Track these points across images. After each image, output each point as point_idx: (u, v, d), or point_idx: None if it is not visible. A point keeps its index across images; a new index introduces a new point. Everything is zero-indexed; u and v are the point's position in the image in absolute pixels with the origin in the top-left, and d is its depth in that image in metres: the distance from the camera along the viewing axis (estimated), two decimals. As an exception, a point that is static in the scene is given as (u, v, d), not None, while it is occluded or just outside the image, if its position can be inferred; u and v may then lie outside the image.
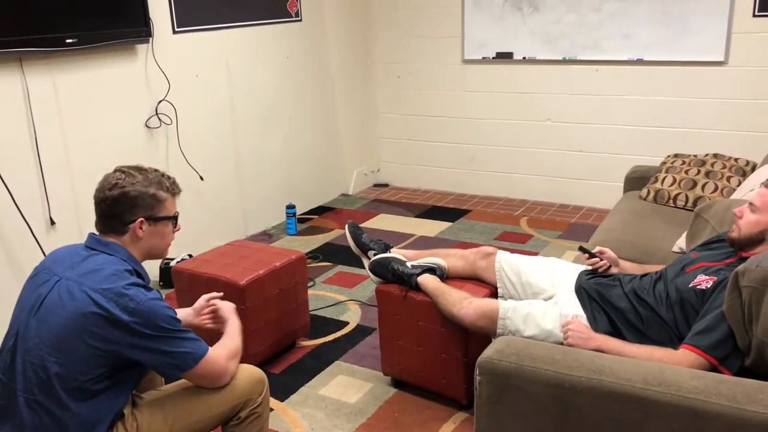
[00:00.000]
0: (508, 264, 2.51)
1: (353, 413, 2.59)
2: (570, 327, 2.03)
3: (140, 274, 1.75)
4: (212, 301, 2.10)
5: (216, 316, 2.07)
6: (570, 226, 4.58)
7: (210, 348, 1.76)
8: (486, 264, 2.55)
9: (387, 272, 2.60)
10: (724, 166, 3.38)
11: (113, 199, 1.74)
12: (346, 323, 3.31)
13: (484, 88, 5.10)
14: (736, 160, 3.44)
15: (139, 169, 1.80)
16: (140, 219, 1.75)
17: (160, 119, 3.81)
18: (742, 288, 1.79)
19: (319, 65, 5.03)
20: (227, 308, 2.04)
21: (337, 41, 5.15)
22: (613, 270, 2.38)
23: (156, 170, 1.82)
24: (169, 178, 1.83)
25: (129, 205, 1.74)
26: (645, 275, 2.24)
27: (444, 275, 2.57)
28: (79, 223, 3.43)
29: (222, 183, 4.31)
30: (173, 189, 1.82)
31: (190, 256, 3.64)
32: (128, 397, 1.73)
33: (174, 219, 1.83)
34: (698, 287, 2.00)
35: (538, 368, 1.76)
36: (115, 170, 1.79)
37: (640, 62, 4.51)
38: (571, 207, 4.97)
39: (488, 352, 1.84)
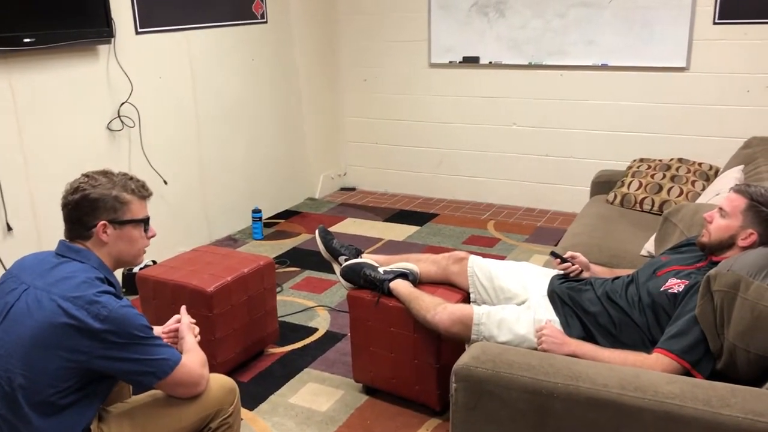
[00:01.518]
0: (480, 269, 2.50)
1: (324, 421, 2.55)
2: (544, 332, 2.03)
3: (111, 282, 1.69)
4: (183, 313, 2.01)
5: (175, 334, 1.99)
6: (536, 229, 4.61)
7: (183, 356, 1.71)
8: (458, 269, 2.53)
9: (359, 278, 2.57)
10: (689, 171, 3.44)
11: (75, 202, 1.68)
12: (316, 329, 3.27)
13: (450, 92, 5.11)
14: (700, 164, 3.51)
15: (105, 173, 1.74)
16: (102, 222, 1.69)
17: (122, 122, 3.71)
18: (714, 292, 1.81)
19: (285, 68, 4.98)
20: (186, 327, 1.94)
21: (304, 44, 5.10)
22: (585, 274, 2.39)
23: (125, 174, 1.76)
24: (137, 181, 1.77)
25: (90, 208, 1.68)
26: (616, 279, 2.25)
27: (416, 280, 2.55)
28: (37, 228, 3.32)
29: (186, 187, 4.22)
30: (140, 192, 1.76)
31: (154, 262, 3.56)
32: (96, 412, 1.66)
33: (142, 222, 1.77)
34: (670, 291, 2.02)
35: (514, 374, 1.75)
36: (81, 175, 1.73)
37: (604, 68, 4.57)
38: (537, 211, 5.01)
39: (464, 359, 1.82)
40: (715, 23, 4.20)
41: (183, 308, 2.02)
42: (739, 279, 1.76)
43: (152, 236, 1.83)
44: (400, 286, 2.46)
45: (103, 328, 1.55)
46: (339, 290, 3.66)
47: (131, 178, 1.76)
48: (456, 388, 1.82)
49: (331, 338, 3.17)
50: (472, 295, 2.49)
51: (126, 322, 1.58)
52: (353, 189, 5.69)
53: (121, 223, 1.72)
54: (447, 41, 5.00)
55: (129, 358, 1.59)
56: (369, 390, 2.72)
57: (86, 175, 1.72)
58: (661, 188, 3.39)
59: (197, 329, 1.96)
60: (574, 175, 4.81)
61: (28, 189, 3.29)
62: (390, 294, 2.49)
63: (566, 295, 2.22)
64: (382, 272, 2.54)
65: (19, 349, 1.56)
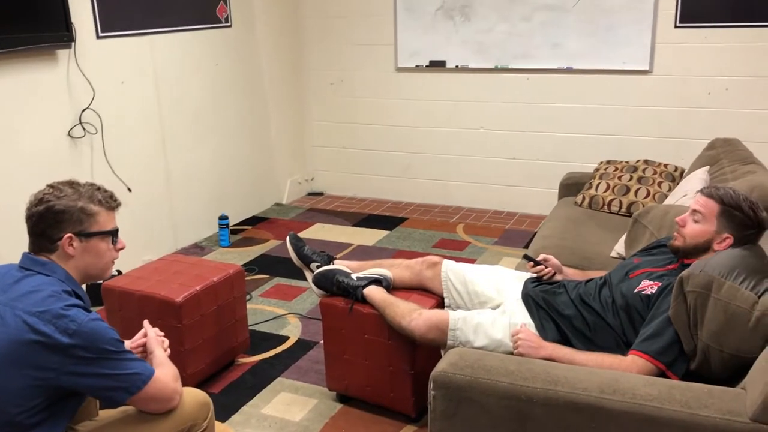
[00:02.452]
0: (454, 273, 2.49)
1: (299, 431, 2.51)
2: (520, 336, 2.03)
3: (79, 296, 1.63)
4: (146, 328, 1.93)
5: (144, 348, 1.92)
6: (505, 232, 4.63)
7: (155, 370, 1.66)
8: (432, 274, 2.52)
9: (331, 285, 2.53)
10: (655, 172, 3.49)
11: (39, 214, 1.62)
12: (287, 338, 3.22)
13: (417, 96, 5.11)
14: (665, 165, 3.56)
15: (71, 184, 1.67)
16: (68, 235, 1.62)
17: (84, 128, 3.61)
18: (687, 293, 1.83)
19: (250, 72, 4.92)
20: (154, 340, 1.87)
21: (268, 48, 5.05)
22: (558, 277, 2.39)
23: (92, 184, 1.70)
24: (105, 191, 1.71)
25: (55, 220, 1.62)
26: (589, 281, 2.26)
27: (390, 286, 2.52)
28: (-4, 239, 3.21)
29: (150, 194, 4.13)
30: (108, 203, 1.70)
31: (119, 272, 3.46)
32: (63, 430, 1.59)
33: (110, 234, 1.71)
34: (643, 292, 2.04)
35: (493, 380, 1.74)
36: (46, 186, 1.66)
37: (569, 71, 4.61)
38: (505, 213, 5.04)
39: (442, 366, 1.81)
40: (676, 27, 4.28)
41: (145, 322, 1.94)
42: (712, 280, 1.78)
43: (121, 248, 1.77)
44: (373, 292, 2.44)
45: (71, 342, 1.49)
46: (309, 297, 3.62)
47: (98, 189, 1.70)
48: (434, 395, 1.80)
49: (302, 346, 3.13)
50: (446, 300, 2.48)
51: (96, 336, 1.53)
52: (321, 194, 5.65)
53: (88, 236, 1.66)
54: (413, 45, 5.00)
55: (99, 373, 1.54)
56: (343, 398, 2.68)
57: (51, 186, 1.66)
58: (628, 190, 3.44)
59: (167, 342, 1.90)
60: (541, 177, 4.85)
61: (-14, 199, 3.18)
62: (364, 301, 2.46)
63: (540, 298, 2.22)
64: (355, 279, 2.52)
65: None
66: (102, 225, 1.68)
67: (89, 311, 1.57)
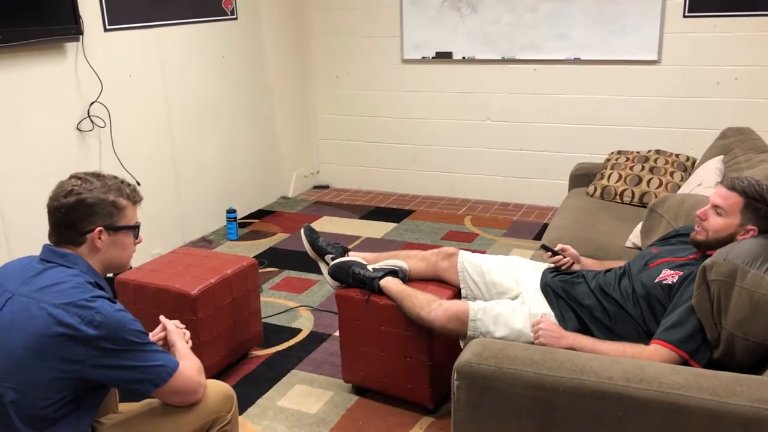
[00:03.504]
0: (470, 264, 2.48)
1: (315, 423, 2.51)
2: (541, 326, 2.02)
3: (102, 287, 1.61)
4: (163, 323, 1.91)
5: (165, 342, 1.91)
6: (513, 223, 4.62)
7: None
8: (448, 264, 2.51)
9: (347, 276, 2.52)
10: (667, 162, 3.48)
11: (69, 206, 1.59)
12: (299, 330, 3.21)
13: (424, 87, 5.09)
14: (677, 155, 3.55)
15: (97, 175, 1.66)
16: (99, 228, 1.61)
17: (92, 122, 3.60)
18: (711, 282, 1.82)
19: (256, 65, 4.90)
20: (175, 333, 1.86)
21: (274, 40, 5.03)
22: (576, 267, 2.39)
23: (115, 177, 1.69)
24: (129, 185, 1.70)
25: (86, 213, 1.60)
26: (608, 271, 2.25)
27: (406, 278, 2.52)
28: (5, 232, 3.18)
29: (159, 188, 4.12)
30: (134, 197, 1.70)
31: (130, 266, 3.45)
32: (89, 423, 1.59)
33: (135, 229, 1.70)
34: (664, 282, 2.03)
35: (517, 370, 1.73)
36: (71, 176, 1.65)
37: (577, 61, 4.60)
38: (512, 205, 5.03)
39: (465, 356, 1.80)
40: (685, 16, 4.26)
41: (162, 317, 1.92)
42: (736, 268, 1.77)
43: (140, 242, 1.76)
44: (390, 283, 2.43)
45: (97, 334, 1.48)
46: (320, 290, 3.61)
47: (122, 182, 1.69)
48: (458, 385, 1.80)
49: (316, 339, 3.12)
50: (463, 291, 2.47)
51: (121, 327, 1.52)
52: (327, 187, 5.63)
53: (116, 229, 1.65)
54: (419, 37, 4.98)
55: (125, 365, 1.53)
56: (359, 390, 2.68)
57: (78, 177, 1.64)
58: (640, 180, 3.42)
59: (188, 334, 1.89)
60: (548, 169, 4.84)
61: (-4, 193, 3.16)
62: (380, 292, 2.45)
63: (560, 288, 2.22)
64: (371, 270, 2.51)
65: (8, 362, 1.48)
66: (129, 219, 1.68)
67: (114, 302, 1.56)
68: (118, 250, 1.67)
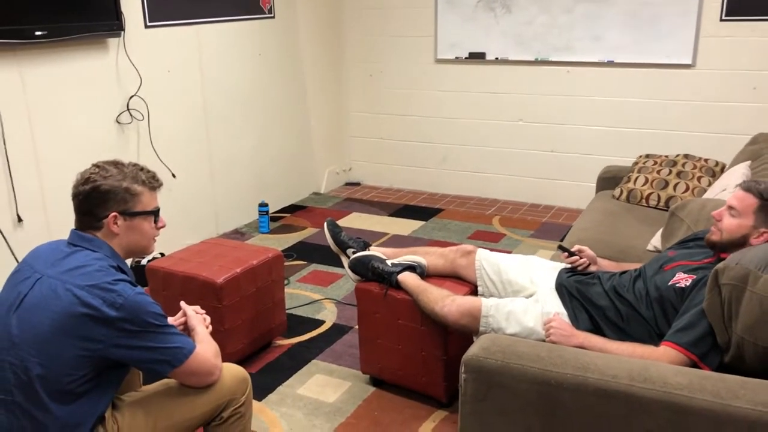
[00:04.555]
0: (488, 262, 2.51)
1: (332, 412, 2.57)
2: (552, 324, 2.05)
3: (124, 270, 1.70)
4: (183, 308, 1.99)
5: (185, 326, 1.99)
6: (541, 225, 4.62)
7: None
8: (466, 262, 2.55)
9: (367, 270, 2.58)
10: (695, 167, 3.45)
11: (85, 194, 1.69)
12: (323, 322, 3.29)
13: (456, 87, 5.12)
14: (705, 160, 3.52)
15: (115, 164, 1.74)
16: (113, 214, 1.70)
17: (131, 115, 3.73)
18: (722, 285, 1.82)
19: (292, 63, 4.99)
20: (195, 318, 1.94)
21: (310, 39, 5.11)
22: (592, 268, 2.40)
23: (135, 164, 1.77)
24: (147, 171, 1.77)
25: (101, 199, 1.69)
26: (624, 273, 2.27)
27: (424, 273, 2.56)
28: (47, 220, 3.34)
29: (194, 180, 4.24)
30: (151, 183, 1.77)
31: (162, 254, 3.57)
32: (110, 400, 1.68)
33: (153, 213, 1.78)
34: (677, 285, 2.03)
35: (524, 365, 1.77)
36: (92, 165, 1.74)
37: (610, 64, 4.57)
38: (542, 206, 5.02)
39: (474, 350, 1.84)
40: (722, 20, 4.20)
41: (182, 303, 2.00)
42: (748, 272, 1.77)
43: (162, 227, 1.83)
44: (408, 278, 2.48)
45: (118, 315, 1.57)
46: (345, 283, 3.68)
47: (142, 169, 1.77)
48: (465, 378, 1.84)
49: (338, 331, 3.19)
50: (479, 288, 2.51)
51: (141, 309, 1.60)
52: (358, 184, 5.71)
53: (132, 215, 1.73)
54: (453, 37, 5.01)
55: (144, 346, 1.61)
56: (376, 382, 2.74)
57: (97, 166, 1.73)
58: (667, 184, 3.41)
59: (209, 319, 1.97)
60: (579, 171, 4.82)
61: (39, 181, 3.31)
62: (398, 286, 2.50)
63: (574, 288, 2.24)
64: (390, 265, 2.56)
65: (36, 339, 1.58)
66: (145, 205, 1.75)
67: (135, 285, 1.65)
68: (137, 235, 1.75)
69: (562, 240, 3.15)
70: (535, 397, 1.76)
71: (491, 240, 4.34)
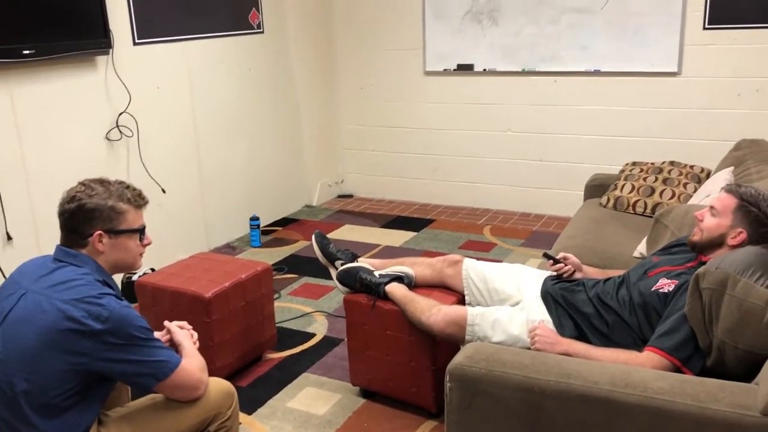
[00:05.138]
0: (474, 271, 2.53)
1: (322, 425, 2.58)
2: (537, 332, 2.06)
3: (110, 285, 1.72)
4: (167, 326, 1.99)
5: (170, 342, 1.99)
6: (532, 233, 4.65)
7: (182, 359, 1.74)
8: (453, 272, 2.57)
9: (355, 282, 2.60)
10: (681, 173, 3.48)
11: (71, 212, 1.71)
12: (313, 335, 3.30)
13: (445, 99, 5.16)
14: (691, 167, 3.55)
15: (101, 182, 1.76)
16: (98, 232, 1.71)
17: (120, 131, 3.75)
18: (703, 290, 1.85)
19: (282, 77, 5.02)
20: (180, 333, 1.95)
21: (300, 53, 5.15)
22: (577, 275, 2.42)
23: (121, 182, 1.79)
24: (133, 189, 1.79)
25: (86, 218, 1.71)
26: (608, 280, 2.29)
27: (412, 284, 2.58)
28: (36, 238, 3.35)
29: (184, 195, 4.26)
30: (136, 201, 1.78)
31: (153, 270, 3.58)
32: (97, 413, 1.69)
33: (138, 232, 1.79)
34: (660, 290, 2.05)
35: (507, 373, 1.78)
36: (78, 183, 1.76)
37: (597, 73, 4.62)
38: (533, 215, 5.05)
39: (458, 359, 1.86)
40: (705, 29, 4.25)
41: (166, 322, 1.99)
42: (727, 276, 1.80)
43: (148, 244, 1.85)
44: (395, 289, 2.49)
45: (103, 328, 1.58)
46: (336, 296, 3.69)
47: (128, 187, 1.78)
48: (450, 387, 1.85)
49: (328, 343, 3.20)
50: (467, 298, 2.53)
51: (126, 322, 1.62)
52: (350, 196, 5.73)
53: (117, 233, 1.74)
54: (441, 49, 5.05)
55: (129, 359, 1.62)
56: (366, 393, 2.74)
57: (83, 184, 1.75)
58: (653, 191, 3.43)
59: (196, 335, 1.98)
60: (568, 179, 4.85)
61: (28, 198, 3.32)
62: (386, 297, 2.51)
63: (559, 296, 2.26)
64: (377, 276, 2.58)
65: (21, 354, 1.59)
66: (130, 223, 1.77)
67: (121, 299, 1.66)
68: (121, 253, 1.77)
69: (550, 249, 3.18)
70: (519, 404, 1.77)
71: (482, 249, 4.36)
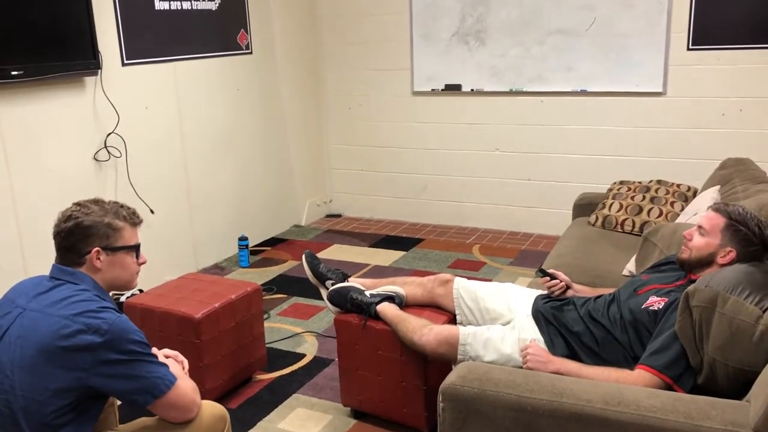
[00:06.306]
0: (465, 290, 2.53)
1: (313, 446, 2.56)
2: (529, 351, 2.07)
3: (108, 301, 1.71)
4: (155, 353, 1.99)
5: None
6: (521, 252, 4.66)
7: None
8: (444, 291, 2.57)
9: (345, 302, 2.59)
10: (668, 192, 3.51)
11: (68, 230, 1.71)
12: (303, 355, 3.27)
13: (433, 119, 5.19)
14: (678, 186, 3.58)
15: (96, 201, 1.78)
16: (96, 249, 1.72)
17: (109, 152, 3.74)
18: (693, 308, 1.86)
19: (270, 97, 5.04)
20: (167, 359, 1.91)
21: (288, 74, 5.18)
22: (569, 293, 2.43)
23: (116, 202, 1.80)
24: (128, 208, 1.81)
25: (83, 235, 1.71)
26: (598, 297, 2.30)
27: (402, 303, 2.58)
28: (24, 262, 3.32)
29: (173, 216, 4.24)
30: (132, 219, 1.80)
31: (141, 291, 3.55)
32: (91, 431, 1.67)
33: (134, 249, 1.79)
34: (651, 308, 2.07)
35: (500, 392, 1.78)
36: (73, 204, 1.76)
37: (583, 93, 4.67)
38: (521, 234, 5.07)
39: (451, 378, 1.85)
40: (689, 49, 4.32)
41: (154, 349, 1.98)
42: (717, 294, 1.81)
43: (143, 263, 1.85)
44: (386, 309, 2.49)
45: (102, 341, 1.57)
46: (326, 316, 3.67)
47: (122, 206, 1.80)
48: (443, 407, 1.85)
49: (319, 363, 3.18)
50: (458, 317, 2.52)
51: (124, 336, 1.61)
52: (339, 216, 5.73)
53: (114, 250, 1.75)
54: (429, 70, 5.10)
55: (126, 375, 1.61)
56: (357, 414, 2.73)
57: (78, 204, 1.76)
58: (641, 210, 3.46)
59: (185, 362, 1.95)
60: (556, 198, 4.88)
61: (16, 222, 3.29)
62: (377, 317, 2.51)
63: (550, 314, 2.26)
64: (368, 296, 2.57)
65: (19, 372, 1.58)
66: (127, 240, 1.78)
67: (120, 313, 1.66)
68: (119, 270, 1.77)
69: (540, 267, 3.20)
70: (512, 423, 1.77)
71: (471, 269, 4.37)
